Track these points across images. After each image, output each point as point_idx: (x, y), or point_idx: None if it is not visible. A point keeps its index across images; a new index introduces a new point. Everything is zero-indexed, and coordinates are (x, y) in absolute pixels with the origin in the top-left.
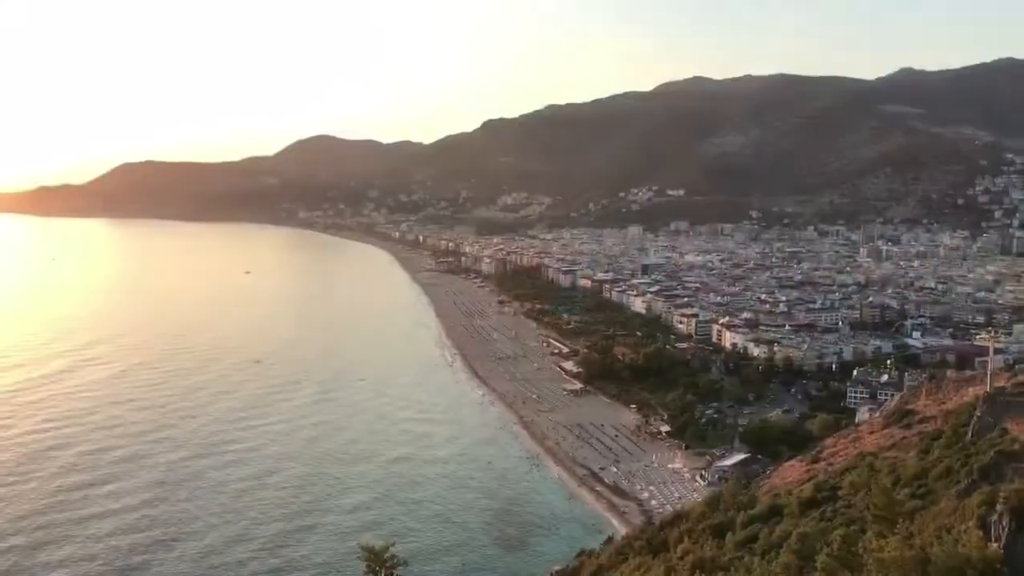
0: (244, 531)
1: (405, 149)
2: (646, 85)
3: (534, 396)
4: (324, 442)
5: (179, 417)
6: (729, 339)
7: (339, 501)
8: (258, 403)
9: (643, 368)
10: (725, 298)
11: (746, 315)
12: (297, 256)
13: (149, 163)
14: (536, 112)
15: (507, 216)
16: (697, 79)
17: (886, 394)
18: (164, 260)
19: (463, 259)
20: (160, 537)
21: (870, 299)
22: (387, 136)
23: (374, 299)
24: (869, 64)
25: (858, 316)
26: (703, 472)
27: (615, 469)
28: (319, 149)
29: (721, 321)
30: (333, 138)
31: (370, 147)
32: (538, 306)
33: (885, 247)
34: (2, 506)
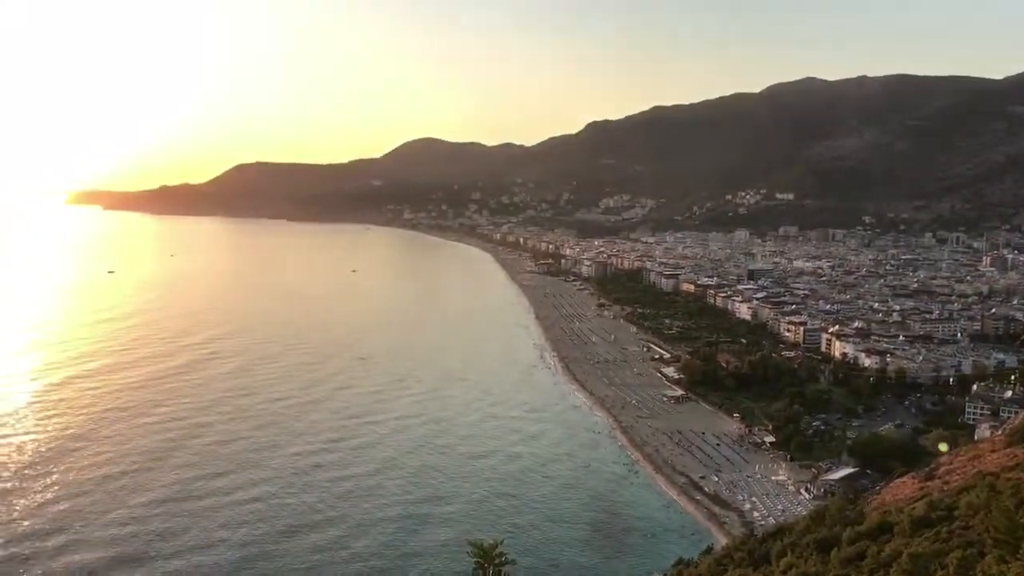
0: (363, 522)
1: (508, 151)
2: (754, 86)
3: (633, 401)
4: (436, 439)
5: (298, 411)
6: (839, 349)
7: (450, 495)
8: (371, 400)
9: (747, 376)
10: (835, 306)
11: (857, 324)
12: (400, 256)
13: (261, 164)
14: (641, 114)
15: (609, 219)
16: (808, 80)
17: (1010, 411)
18: (274, 258)
19: (563, 261)
20: (282, 528)
21: (993, 310)
22: (491, 138)
23: (474, 300)
24: (996, 63)
25: (979, 328)
26: (808, 485)
27: (716, 478)
28: (424, 151)
29: (831, 330)
30: (438, 140)
31: (474, 149)
32: (639, 310)
33: (1011, 256)
34: (138, 492)
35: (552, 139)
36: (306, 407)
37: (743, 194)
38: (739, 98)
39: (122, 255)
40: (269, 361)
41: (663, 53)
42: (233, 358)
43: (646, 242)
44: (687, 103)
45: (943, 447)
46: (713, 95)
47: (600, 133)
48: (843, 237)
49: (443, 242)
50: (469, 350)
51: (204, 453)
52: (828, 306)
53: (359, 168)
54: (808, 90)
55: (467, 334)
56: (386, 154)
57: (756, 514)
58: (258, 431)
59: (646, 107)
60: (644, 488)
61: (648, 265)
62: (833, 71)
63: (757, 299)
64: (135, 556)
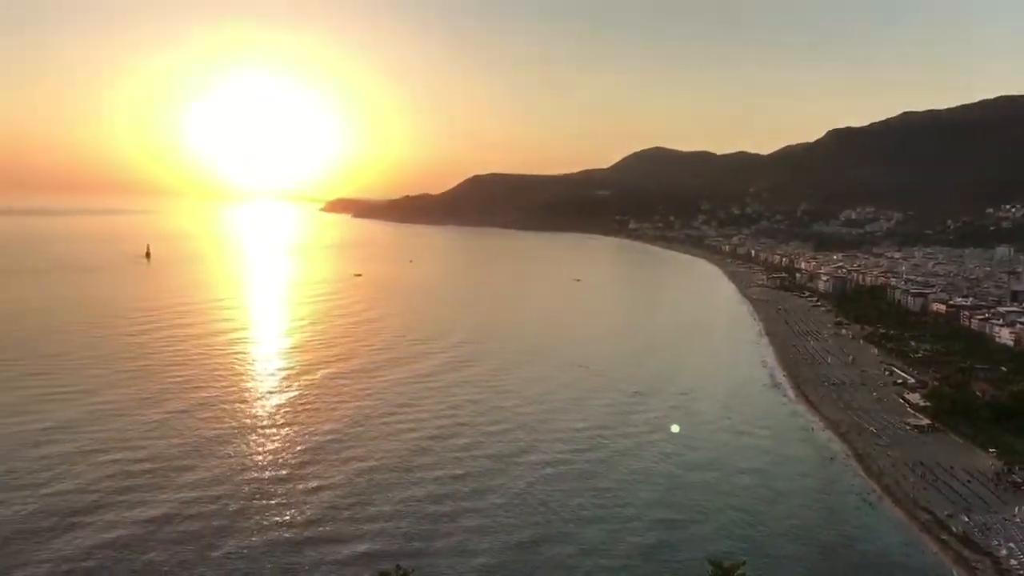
0: (613, 534)
1: (740, 160)
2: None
3: (871, 428)
4: (682, 455)
5: (536, 422)
6: None
7: (688, 504)
8: (608, 412)
9: (1008, 408)
10: None
11: None
12: (623, 266)
13: (494, 175)
14: (888, 120)
15: (849, 232)
16: None
17: None
18: (501, 266)
19: (797, 276)
20: (524, 537)
21: None
22: (722, 147)
23: (700, 313)
24: None
25: None
26: None
27: (966, 518)
28: (653, 161)
29: None
30: (667, 149)
31: (704, 158)
32: (881, 330)
33: None
34: (389, 490)
35: (789, 147)
36: (547, 415)
37: (1008, 207)
38: (1006, 101)
39: (367, 259)
40: (507, 370)
41: (913, 56)
42: (474, 364)
43: (891, 257)
44: (942, 107)
45: None
46: (973, 98)
47: (842, 140)
48: None
49: (668, 253)
50: (694, 365)
51: (451, 456)
52: None
53: (587, 178)
54: None
55: (692, 348)
56: (614, 164)
57: (1014, 561)
58: (503, 436)
59: (894, 113)
60: (881, 521)
61: (893, 282)
62: None
63: (1022, 323)
64: (383, 554)
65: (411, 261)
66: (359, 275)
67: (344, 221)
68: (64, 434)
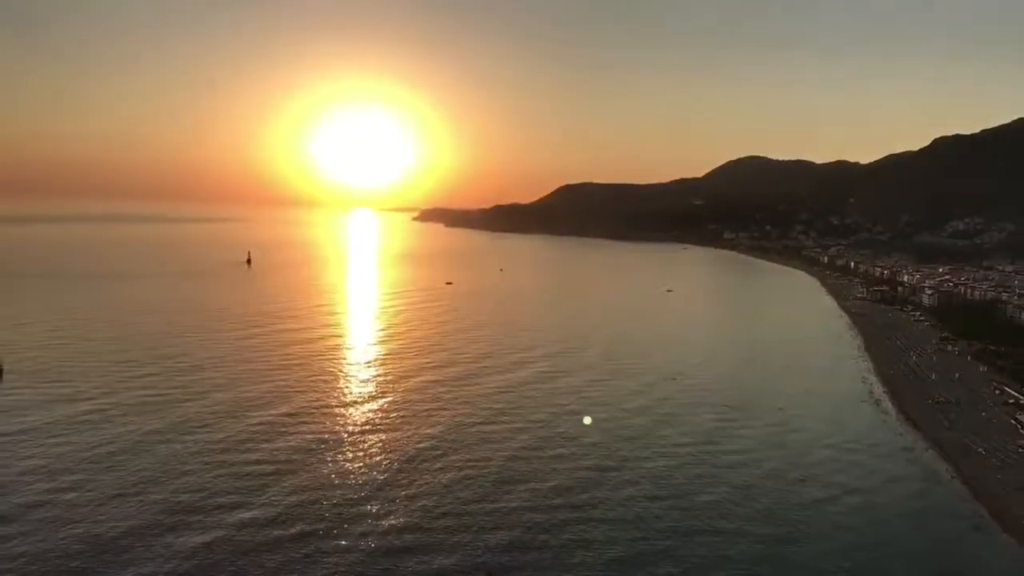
0: (715, 550)
1: (840, 169)
2: None
3: (979, 449)
4: (783, 472)
5: (634, 434)
6: None
7: (802, 529)
8: (707, 427)
9: None
10: None
11: None
12: (717, 276)
13: (586, 184)
14: (1002, 127)
15: (956, 243)
16: None
17: None
18: (591, 275)
19: (900, 289)
20: (622, 553)
21: None
22: (822, 156)
23: (796, 325)
24: None
25: None
26: None
27: None
28: (749, 170)
29: None
30: (764, 158)
31: (802, 167)
32: (991, 347)
33: None
34: (487, 501)
35: (891, 156)
36: (645, 428)
37: None
38: None
39: (459, 268)
40: (602, 381)
41: None
42: (568, 375)
43: (1003, 271)
44: None
45: None
46: None
47: (949, 148)
48: None
49: (764, 263)
50: (792, 380)
51: (548, 466)
52: None
53: (680, 187)
54: None
55: (789, 363)
56: (708, 172)
57: None
58: (599, 448)
59: (1008, 119)
60: (991, 548)
61: (1004, 296)
62: None
63: None
64: (477, 565)
65: (501, 270)
66: (450, 283)
67: (437, 230)
68: (178, 434)
